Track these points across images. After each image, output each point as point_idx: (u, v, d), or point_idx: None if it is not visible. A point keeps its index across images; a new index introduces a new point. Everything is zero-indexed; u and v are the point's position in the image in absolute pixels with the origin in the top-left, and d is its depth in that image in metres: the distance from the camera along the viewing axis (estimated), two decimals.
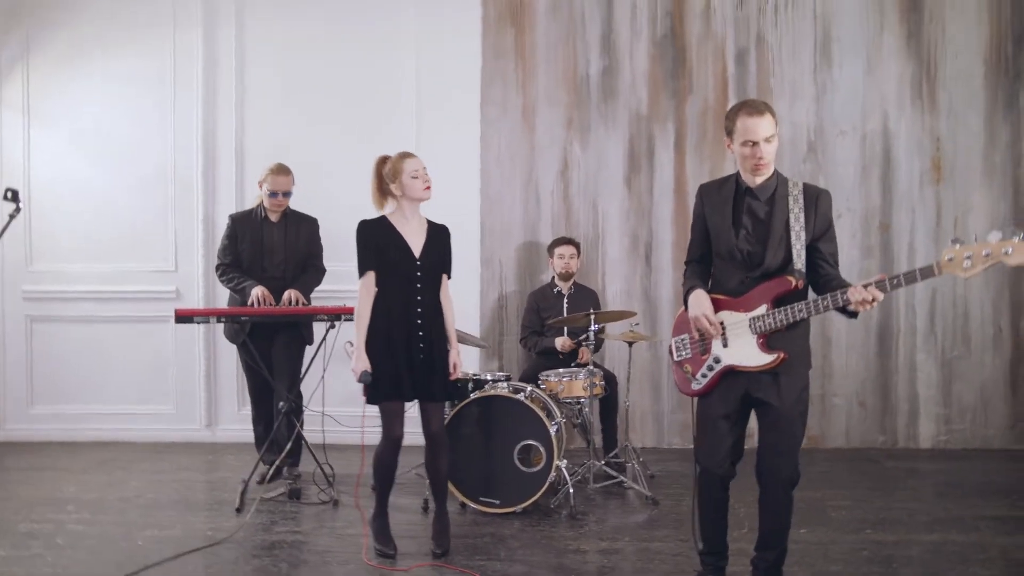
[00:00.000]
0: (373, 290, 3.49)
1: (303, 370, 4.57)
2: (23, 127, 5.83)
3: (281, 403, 4.39)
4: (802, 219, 2.79)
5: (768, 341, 2.80)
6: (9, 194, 2.94)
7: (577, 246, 5.24)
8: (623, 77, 5.60)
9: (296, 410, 4.49)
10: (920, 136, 5.44)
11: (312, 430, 4.61)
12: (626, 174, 5.61)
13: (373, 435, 3.60)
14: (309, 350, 4.60)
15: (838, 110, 5.47)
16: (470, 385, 4.33)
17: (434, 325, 3.56)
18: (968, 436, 5.43)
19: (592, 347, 4.55)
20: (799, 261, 2.79)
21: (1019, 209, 5.36)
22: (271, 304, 4.43)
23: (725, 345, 2.87)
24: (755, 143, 2.76)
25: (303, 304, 4.50)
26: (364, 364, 3.41)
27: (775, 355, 2.78)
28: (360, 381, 3.41)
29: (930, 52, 5.42)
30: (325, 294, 4.90)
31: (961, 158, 5.40)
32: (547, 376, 4.53)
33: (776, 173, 2.87)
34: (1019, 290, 5.39)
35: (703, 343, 2.92)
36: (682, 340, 3.01)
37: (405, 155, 3.52)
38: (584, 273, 5.47)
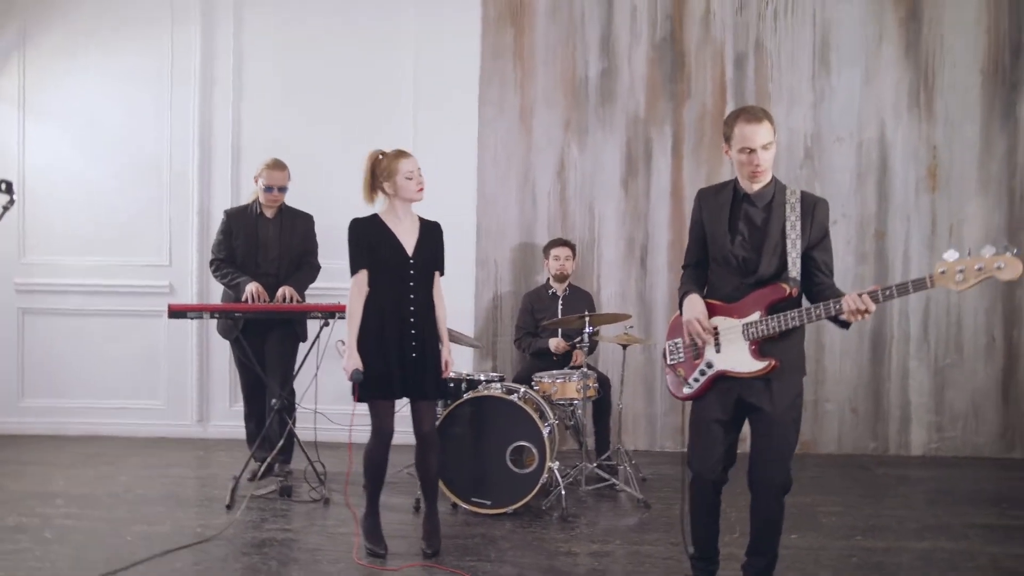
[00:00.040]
0: (365, 289, 3.48)
1: (296, 367, 4.56)
2: (18, 119, 5.80)
3: (274, 400, 4.38)
4: (798, 227, 2.79)
5: (761, 348, 2.80)
6: (3, 186, 2.91)
7: (572, 248, 5.24)
8: (622, 80, 5.60)
9: (288, 407, 4.48)
10: (916, 144, 5.45)
11: (304, 427, 4.60)
12: (623, 177, 5.61)
13: (362, 434, 3.58)
14: (302, 347, 4.59)
15: (835, 117, 5.48)
16: (463, 385, 4.33)
17: (426, 323, 3.55)
18: (959, 444, 5.45)
19: (586, 349, 4.55)
20: (794, 269, 2.79)
21: (1014, 219, 5.39)
22: (265, 300, 4.41)
23: (718, 350, 2.87)
24: (752, 150, 2.77)
25: (297, 301, 4.49)
26: (355, 362, 3.40)
27: (766, 362, 2.78)
28: (351, 380, 3.40)
29: (928, 61, 5.44)
30: (319, 291, 4.88)
31: (957, 167, 5.42)
32: (541, 377, 4.53)
33: (774, 180, 2.87)
34: (1012, 300, 5.41)
35: (696, 348, 2.92)
36: (676, 344, 3.01)
37: (401, 154, 3.50)
38: (579, 275, 5.47)
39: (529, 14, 5.64)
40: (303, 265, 4.69)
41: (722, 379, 2.86)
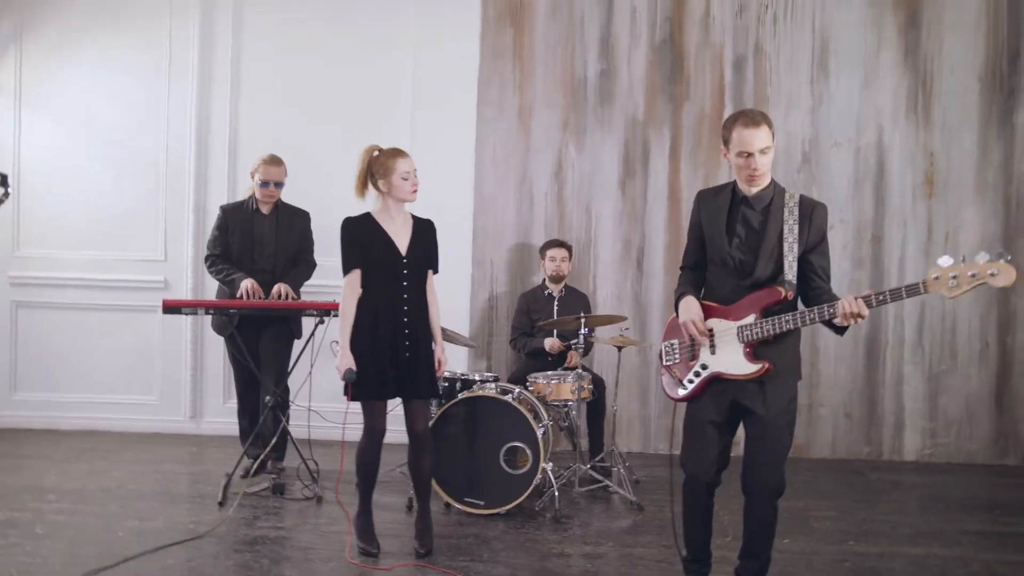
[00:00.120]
0: (358, 289, 3.46)
1: (290, 365, 4.54)
2: (14, 112, 5.77)
3: (268, 397, 4.36)
4: (796, 231, 2.79)
5: (755, 351, 2.80)
6: None
7: (569, 249, 5.24)
8: (620, 81, 5.60)
9: (282, 405, 4.46)
10: (914, 150, 5.46)
11: (298, 425, 4.59)
12: (620, 178, 5.61)
13: (355, 432, 3.57)
14: (297, 345, 4.57)
15: (833, 122, 5.49)
16: (458, 385, 4.32)
17: (420, 322, 3.54)
18: (952, 450, 5.46)
19: (581, 350, 4.55)
20: (790, 272, 2.79)
21: (1010, 227, 5.40)
22: (260, 297, 4.40)
23: (713, 352, 2.87)
24: (750, 154, 2.77)
25: (293, 298, 4.47)
26: (348, 362, 3.39)
27: (760, 365, 2.78)
28: (344, 379, 3.39)
29: (926, 67, 5.45)
30: (315, 289, 4.88)
31: (954, 174, 5.43)
32: (535, 378, 4.53)
33: (773, 183, 2.88)
34: (1007, 306, 5.42)
35: (692, 349, 2.93)
36: (671, 345, 3.01)
37: (399, 153, 3.48)
38: (575, 276, 5.47)
39: (529, 14, 5.64)
40: (299, 262, 4.67)
41: (717, 381, 2.87)
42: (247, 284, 4.40)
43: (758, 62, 5.53)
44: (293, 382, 4.54)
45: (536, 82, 5.64)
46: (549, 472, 4.16)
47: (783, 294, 2.78)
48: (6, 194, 2.97)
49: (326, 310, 4.27)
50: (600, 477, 4.51)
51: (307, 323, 4.50)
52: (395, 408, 3.57)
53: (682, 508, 3.03)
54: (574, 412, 4.56)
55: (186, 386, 5.75)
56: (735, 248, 2.86)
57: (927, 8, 5.42)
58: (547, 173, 5.65)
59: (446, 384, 4.32)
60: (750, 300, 2.82)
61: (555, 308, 5.13)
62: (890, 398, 5.49)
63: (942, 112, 5.43)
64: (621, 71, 5.60)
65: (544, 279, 5.25)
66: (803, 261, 2.82)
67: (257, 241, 4.60)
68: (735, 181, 2.90)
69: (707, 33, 5.55)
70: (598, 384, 4.84)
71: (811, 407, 5.48)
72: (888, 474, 5.15)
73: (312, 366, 4.39)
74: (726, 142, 2.83)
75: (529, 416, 4.08)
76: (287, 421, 4.47)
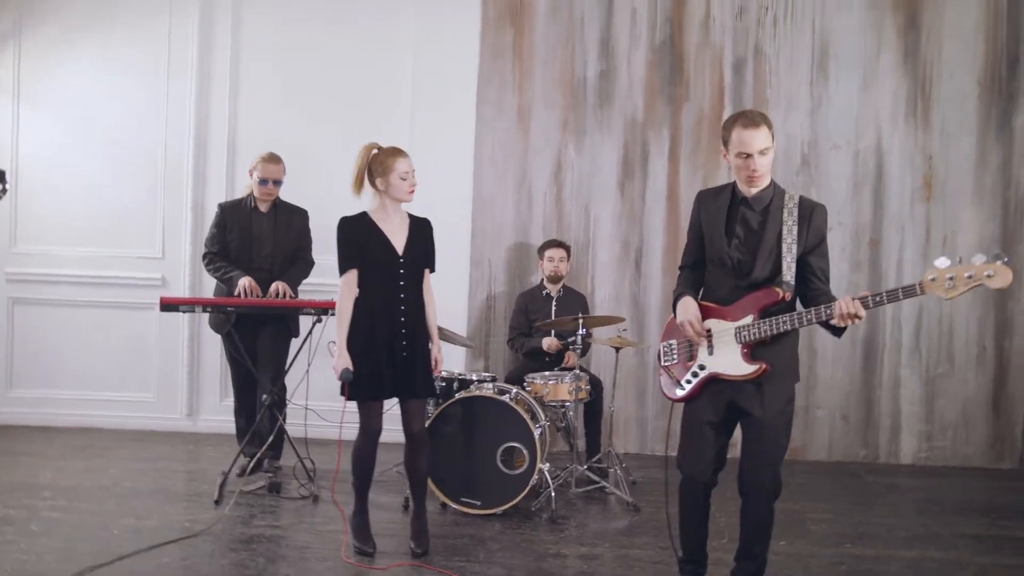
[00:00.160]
0: (355, 289, 3.45)
1: (288, 363, 4.54)
2: (12, 109, 5.76)
3: (264, 396, 4.36)
4: (795, 231, 2.79)
5: (752, 351, 2.80)
6: None
7: (567, 249, 5.23)
8: (620, 82, 5.59)
9: (279, 403, 4.46)
10: (913, 153, 5.46)
11: (294, 424, 4.58)
12: (619, 179, 5.61)
13: (352, 431, 3.56)
14: (294, 343, 4.57)
15: (832, 124, 5.49)
16: (455, 385, 4.32)
17: (417, 322, 3.53)
18: (949, 454, 5.46)
19: (579, 351, 4.55)
20: (788, 273, 2.79)
21: (1008, 230, 5.40)
22: (258, 295, 4.39)
23: (711, 353, 2.87)
24: (749, 155, 2.77)
25: (290, 297, 4.47)
26: (345, 362, 3.38)
27: (757, 366, 2.78)
28: (341, 379, 3.38)
29: (926, 71, 5.45)
30: (313, 287, 4.87)
31: (952, 177, 5.44)
32: (533, 378, 4.52)
33: (773, 184, 2.88)
34: (1004, 310, 5.42)
35: (689, 349, 2.93)
36: (669, 345, 3.01)
37: (398, 153, 3.46)
38: (573, 277, 5.46)
39: (529, 14, 5.63)
40: (297, 261, 4.67)
41: (714, 382, 2.87)
42: (245, 282, 4.39)
43: (758, 64, 5.53)
44: (290, 380, 4.54)
45: (536, 82, 5.64)
46: (546, 473, 4.15)
47: (781, 295, 2.78)
48: (4, 190, 2.97)
49: (324, 309, 4.27)
50: (597, 478, 4.50)
51: (304, 322, 4.49)
52: (392, 408, 3.56)
53: (678, 509, 3.03)
54: (571, 413, 4.56)
55: (183, 384, 5.74)
56: (734, 248, 2.86)
57: (927, 12, 5.42)
58: (546, 173, 5.65)
59: (443, 384, 4.31)
60: (748, 301, 2.82)
61: (553, 308, 5.13)
62: (887, 401, 5.50)
63: (941, 116, 5.44)
64: (621, 72, 5.60)
65: (542, 279, 5.25)
66: (802, 262, 2.82)
67: (255, 239, 4.59)
68: (735, 182, 2.90)
69: (707, 34, 5.55)
70: (595, 385, 4.83)
71: (808, 409, 5.48)
72: (884, 477, 5.15)
73: (309, 365, 4.38)
74: (726, 143, 2.83)
75: (526, 416, 4.07)
76: (284, 420, 4.47)
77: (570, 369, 4.67)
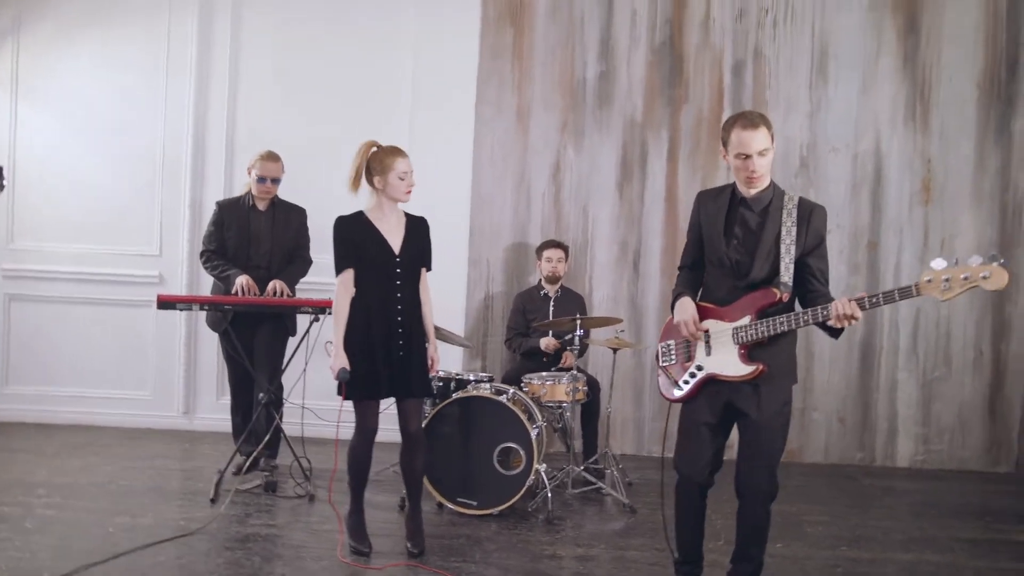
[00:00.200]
0: (351, 288, 3.45)
1: (285, 362, 4.53)
2: (10, 105, 5.75)
3: (261, 394, 4.35)
4: (794, 232, 2.79)
5: (750, 352, 2.80)
6: None
7: (565, 250, 5.23)
8: (619, 83, 5.59)
9: (276, 402, 4.45)
10: (911, 157, 5.47)
11: (291, 423, 4.57)
12: (618, 180, 5.61)
13: (349, 430, 3.55)
14: (291, 342, 4.56)
15: (831, 127, 5.49)
16: (452, 385, 4.31)
17: (413, 321, 3.53)
18: (945, 457, 5.47)
19: (576, 352, 4.54)
20: (786, 274, 2.79)
21: (1005, 234, 5.41)
22: (255, 294, 4.39)
23: (708, 354, 2.87)
24: (748, 156, 2.77)
25: (288, 295, 4.46)
26: (342, 362, 3.37)
27: (754, 367, 2.78)
28: (338, 379, 3.37)
29: (925, 75, 5.46)
30: (310, 286, 4.86)
31: (951, 181, 5.44)
32: (530, 379, 4.52)
33: (773, 185, 2.88)
34: (1002, 313, 5.43)
35: (687, 350, 2.93)
36: (668, 346, 3.01)
37: (397, 152, 3.45)
38: (571, 277, 5.46)
39: (529, 15, 5.63)
40: (295, 259, 4.66)
41: (712, 382, 2.87)
42: (242, 280, 4.38)
43: (757, 66, 5.53)
44: (287, 379, 4.53)
45: (535, 83, 5.63)
46: (542, 473, 4.15)
47: (778, 296, 2.78)
48: (1, 187, 2.96)
49: (321, 308, 4.26)
50: (593, 479, 4.50)
51: (302, 320, 4.48)
52: (388, 407, 3.55)
53: (675, 509, 3.03)
54: (568, 413, 4.56)
55: (179, 382, 5.73)
56: (732, 249, 2.86)
57: (926, 15, 5.43)
58: (545, 174, 5.65)
59: (440, 384, 4.30)
60: (746, 301, 2.82)
61: (551, 309, 5.13)
62: (884, 404, 5.50)
63: (940, 119, 5.44)
64: (620, 73, 5.60)
65: (540, 279, 5.25)
66: (801, 264, 2.81)
67: (253, 237, 4.58)
68: (735, 183, 2.90)
69: (707, 36, 5.55)
70: (592, 386, 4.83)
71: (805, 411, 5.48)
72: (881, 480, 5.15)
73: (306, 363, 4.37)
74: (725, 144, 2.83)
75: (523, 417, 4.07)
76: (280, 418, 4.46)
77: (567, 370, 4.66)
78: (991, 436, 5.44)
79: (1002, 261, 2.47)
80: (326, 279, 4.85)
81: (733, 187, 2.90)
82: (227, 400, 4.91)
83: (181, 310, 4.40)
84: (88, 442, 5.27)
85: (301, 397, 4.42)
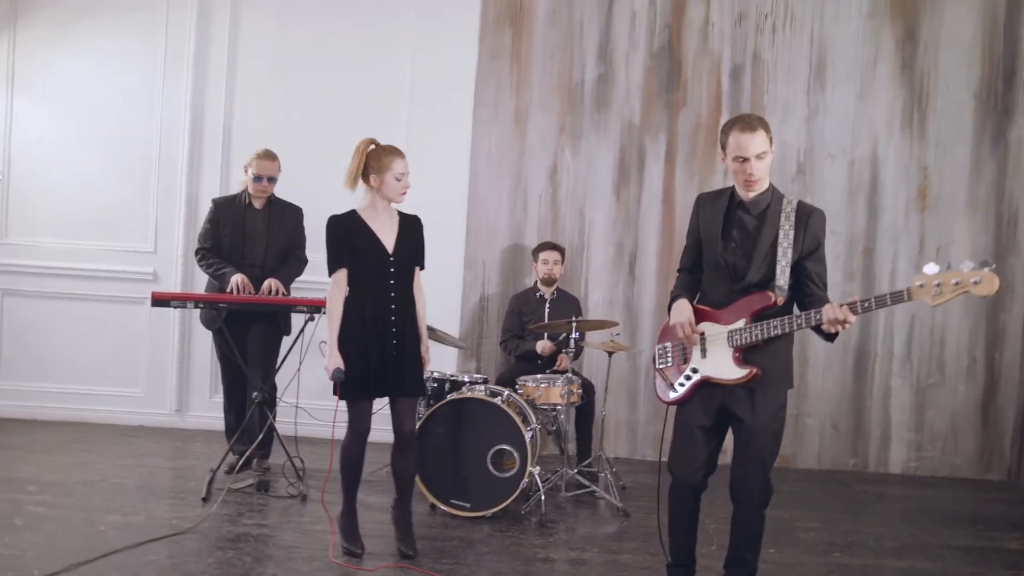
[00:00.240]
0: (345, 288, 3.43)
1: (279, 361, 4.51)
2: (6, 98, 5.71)
3: (255, 393, 4.33)
4: (791, 236, 2.79)
5: (744, 356, 2.80)
6: None
7: (562, 252, 5.23)
8: (618, 86, 5.59)
9: (269, 401, 4.43)
10: (908, 164, 5.48)
11: (284, 422, 4.56)
12: (615, 183, 5.61)
13: (343, 430, 3.54)
14: (286, 341, 4.54)
15: (828, 133, 5.50)
16: (447, 386, 4.30)
17: (407, 320, 3.51)
18: (937, 464, 5.48)
19: (572, 354, 4.54)
20: (782, 278, 2.79)
21: (1000, 243, 5.42)
22: (250, 292, 4.37)
23: (704, 356, 2.87)
24: (746, 159, 2.77)
25: (283, 294, 4.44)
26: (336, 362, 3.36)
27: (748, 370, 2.78)
28: (333, 379, 3.36)
29: (922, 82, 5.47)
30: (305, 285, 4.84)
31: (947, 189, 5.45)
32: (525, 381, 4.51)
33: (772, 188, 2.88)
34: (996, 321, 5.44)
35: (683, 352, 2.93)
36: (664, 348, 3.01)
37: (396, 152, 3.45)
38: (567, 279, 5.46)
39: (528, 17, 5.63)
40: (290, 258, 4.64)
41: (707, 385, 2.87)
42: (237, 279, 4.36)
43: (755, 71, 5.53)
44: (281, 378, 4.51)
45: (533, 85, 5.63)
46: (536, 476, 4.14)
47: (773, 299, 2.77)
48: None
49: (316, 307, 4.24)
50: (587, 482, 4.49)
51: (296, 319, 4.47)
52: (382, 407, 3.54)
53: (668, 512, 3.02)
54: (563, 416, 4.55)
55: (172, 379, 5.70)
56: (729, 252, 2.86)
57: (924, 24, 5.44)
58: (542, 176, 5.64)
59: (435, 385, 4.29)
60: (741, 304, 2.82)
61: (546, 311, 5.12)
62: (877, 410, 5.51)
63: (936, 127, 5.46)
64: (619, 76, 5.60)
65: (536, 281, 5.24)
66: (799, 267, 2.81)
67: (248, 236, 4.56)
68: (735, 186, 2.90)
69: (705, 41, 5.55)
70: (587, 388, 4.83)
71: (798, 417, 5.49)
72: (873, 486, 5.16)
73: (300, 363, 4.35)
74: (723, 146, 2.83)
75: (517, 419, 4.06)
76: (274, 418, 4.44)
77: (562, 372, 4.65)
78: (983, 443, 5.46)
79: (993, 266, 2.47)
80: (321, 278, 4.84)
81: (732, 190, 2.91)
82: (220, 398, 4.89)
83: (175, 307, 4.38)
84: (79, 439, 5.24)
85: (295, 396, 4.41)
